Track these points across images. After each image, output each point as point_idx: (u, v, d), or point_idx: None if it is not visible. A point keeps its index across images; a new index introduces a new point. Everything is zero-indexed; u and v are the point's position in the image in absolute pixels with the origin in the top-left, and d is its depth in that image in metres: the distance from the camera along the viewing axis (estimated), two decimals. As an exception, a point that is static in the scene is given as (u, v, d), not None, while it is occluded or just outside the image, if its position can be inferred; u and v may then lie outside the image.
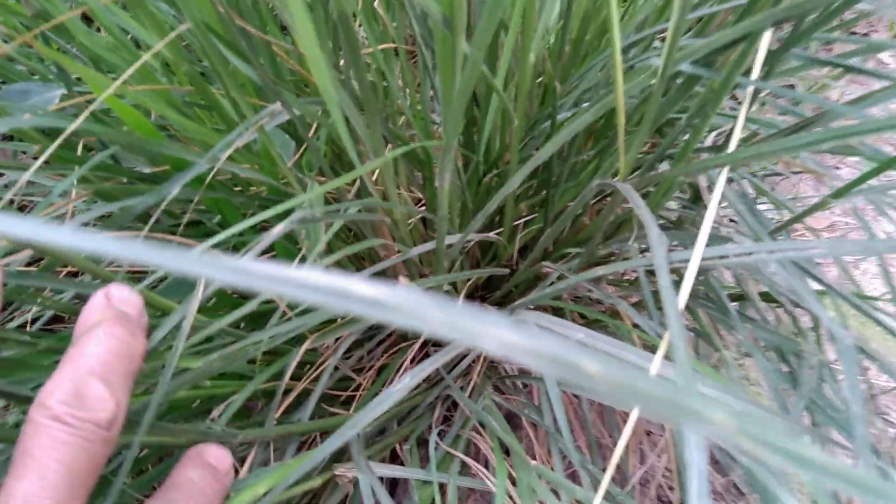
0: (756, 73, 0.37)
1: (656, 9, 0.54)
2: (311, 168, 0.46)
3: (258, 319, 0.53)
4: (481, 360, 0.61)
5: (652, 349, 0.61)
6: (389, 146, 0.55)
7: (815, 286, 0.43)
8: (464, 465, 0.51)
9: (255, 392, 0.48)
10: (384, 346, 0.66)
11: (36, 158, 0.39)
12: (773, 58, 0.39)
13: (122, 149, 0.40)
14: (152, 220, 0.33)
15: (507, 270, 0.63)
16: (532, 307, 0.59)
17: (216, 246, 0.33)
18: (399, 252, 0.53)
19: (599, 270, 0.45)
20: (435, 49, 0.39)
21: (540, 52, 0.45)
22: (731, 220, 1.00)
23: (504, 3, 0.26)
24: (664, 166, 0.56)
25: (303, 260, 0.44)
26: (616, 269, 0.44)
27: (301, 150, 0.44)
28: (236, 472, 0.44)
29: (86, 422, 0.26)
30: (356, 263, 0.63)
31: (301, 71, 0.50)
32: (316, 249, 0.46)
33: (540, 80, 0.64)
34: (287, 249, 0.49)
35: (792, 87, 1.08)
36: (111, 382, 0.27)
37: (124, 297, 0.31)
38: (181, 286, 0.44)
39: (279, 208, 0.32)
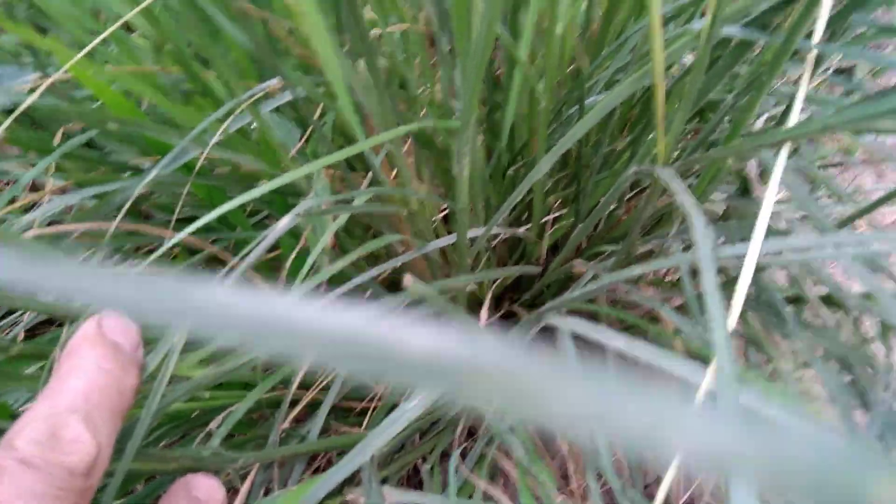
0: (818, 37, 0.32)
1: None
2: (318, 158, 0.42)
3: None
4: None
5: (696, 356, 0.55)
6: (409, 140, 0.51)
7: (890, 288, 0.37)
8: (490, 484, 0.46)
9: (259, 402, 0.44)
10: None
11: (8, 145, 0.37)
12: (837, 21, 0.34)
13: (102, 135, 0.37)
14: (125, 210, 0.29)
15: (537, 269, 0.58)
16: (565, 311, 0.54)
17: (196, 233, 0.29)
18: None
19: (636, 269, 0.40)
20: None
21: (568, 26, 0.41)
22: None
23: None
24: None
25: (303, 260, 0.40)
26: (655, 268, 0.39)
27: (306, 135, 0.41)
28: (235, 492, 0.40)
29: (59, 467, 0.22)
30: (372, 263, 0.60)
31: (306, 55, 0.46)
32: (321, 243, 0.42)
33: (570, 68, 0.59)
34: (294, 248, 0.46)
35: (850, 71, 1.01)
36: (94, 422, 0.23)
37: (119, 327, 0.27)
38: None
39: (269, 186, 0.28)
